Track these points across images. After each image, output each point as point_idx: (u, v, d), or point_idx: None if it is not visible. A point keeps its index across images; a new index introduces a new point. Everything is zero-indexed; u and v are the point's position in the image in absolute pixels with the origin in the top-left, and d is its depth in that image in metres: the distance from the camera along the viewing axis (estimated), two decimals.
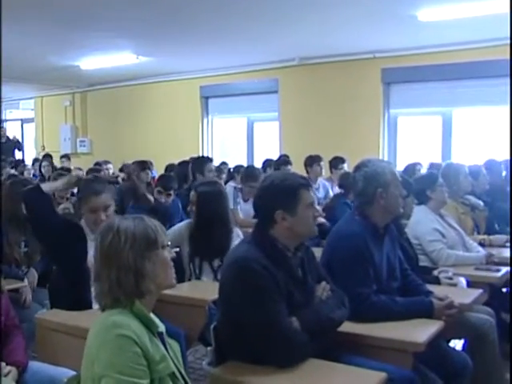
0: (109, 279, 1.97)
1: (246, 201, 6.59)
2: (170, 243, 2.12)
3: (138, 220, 2.06)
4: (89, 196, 3.44)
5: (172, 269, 2.10)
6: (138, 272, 1.98)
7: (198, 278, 3.89)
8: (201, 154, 11.37)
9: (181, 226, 4.13)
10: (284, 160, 7.89)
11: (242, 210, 6.52)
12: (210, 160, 6.61)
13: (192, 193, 4.11)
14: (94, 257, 2.06)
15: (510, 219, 5.35)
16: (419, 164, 6.60)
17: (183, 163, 7.56)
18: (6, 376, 2.60)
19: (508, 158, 7.02)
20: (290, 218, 2.60)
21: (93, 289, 2.18)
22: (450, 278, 3.77)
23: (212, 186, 4.15)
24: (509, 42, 7.76)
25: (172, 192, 5.69)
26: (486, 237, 4.95)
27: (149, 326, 1.99)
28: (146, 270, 1.99)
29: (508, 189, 6.32)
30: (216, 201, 3.98)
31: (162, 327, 2.10)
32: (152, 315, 2.08)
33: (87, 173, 7.16)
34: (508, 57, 7.93)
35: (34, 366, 2.77)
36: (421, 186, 4.40)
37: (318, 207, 2.77)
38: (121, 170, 8.26)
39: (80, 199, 3.57)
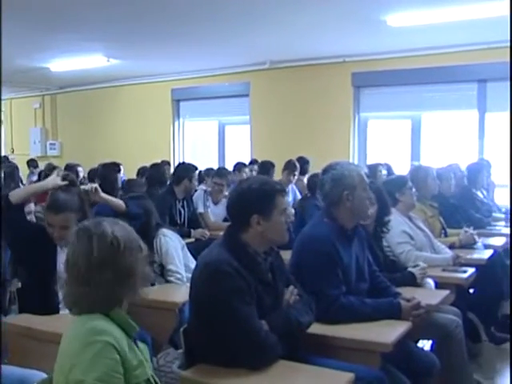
0: (101, 284, 1.94)
1: (216, 204, 6.59)
2: None
3: (121, 224, 2.08)
4: (48, 210, 3.42)
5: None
6: (133, 275, 2.00)
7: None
8: (172, 157, 11.37)
9: None
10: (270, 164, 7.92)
11: (213, 212, 6.52)
12: (196, 168, 6.57)
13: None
14: (74, 261, 2.00)
15: (511, 219, 5.48)
16: (381, 165, 6.67)
17: (155, 166, 7.54)
18: None
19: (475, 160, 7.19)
20: (264, 223, 2.61)
21: (60, 293, 2.17)
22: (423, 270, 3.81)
23: (136, 202, 4.22)
24: (476, 47, 7.95)
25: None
26: (455, 238, 5.03)
27: (127, 330, 1.99)
28: (138, 273, 2.02)
29: (474, 191, 6.47)
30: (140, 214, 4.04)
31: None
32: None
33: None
34: (475, 61, 8.10)
35: (4, 369, 2.74)
36: (390, 189, 4.45)
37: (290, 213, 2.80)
38: (89, 175, 8.17)
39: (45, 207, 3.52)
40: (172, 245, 4.10)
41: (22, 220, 3.56)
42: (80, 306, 1.99)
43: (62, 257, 3.41)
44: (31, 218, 4.38)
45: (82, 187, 4.09)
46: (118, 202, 4.26)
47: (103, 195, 4.17)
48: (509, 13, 5.38)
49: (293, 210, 5.66)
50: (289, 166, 7.69)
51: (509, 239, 5.69)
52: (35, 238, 3.39)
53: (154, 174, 7.08)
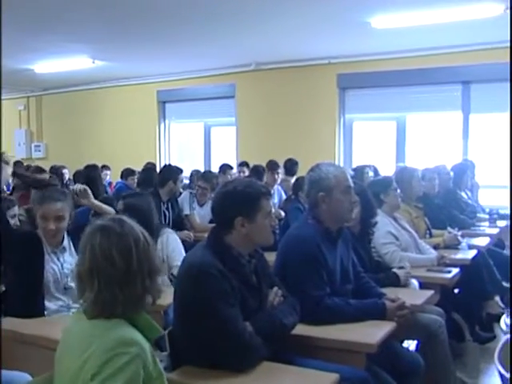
0: (137, 285, 1.89)
1: (201, 205, 6.58)
2: None
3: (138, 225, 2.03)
4: (43, 201, 3.39)
5: None
6: (158, 274, 2.00)
7: None
8: (158, 159, 11.35)
9: None
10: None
11: (198, 214, 6.51)
12: (181, 171, 6.55)
13: (120, 202, 4.11)
14: (107, 263, 1.90)
15: (511, 217, 5.52)
16: (368, 166, 6.71)
17: (146, 169, 7.57)
18: None
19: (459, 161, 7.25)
20: (248, 226, 2.62)
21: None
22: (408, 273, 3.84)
23: (138, 198, 4.19)
24: (460, 49, 8.01)
25: None
26: (440, 239, 5.06)
27: (148, 334, 1.93)
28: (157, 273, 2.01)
29: (459, 192, 6.52)
30: (140, 212, 3.88)
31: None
32: None
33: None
34: (459, 63, 8.16)
35: None
36: (375, 190, 4.47)
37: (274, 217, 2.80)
38: (74, 177, 8.16)
39: (34, 205, 3.50)
40: (179, 242, 4.13)
41: (7, 229, 3.53)
42: (107, 310, 1.89)
43: (50, 263, 3.40)
44: (15, 221, 4.34)
45: (72, 187, 4.06)
46: (106, 208, 4.24)
47: (94, 200, 4.16)
48: (509, 13, 5.41)
49: (283, 213, 5.69)
50: (271, 166, 7.74)
51: (492, 239, 5.76)
52: (24, 246, 3.37)
53: (144, 176, 7.09)
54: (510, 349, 1.92)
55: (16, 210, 4.27)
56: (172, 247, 4.03)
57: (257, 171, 7.47)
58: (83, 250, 1.95)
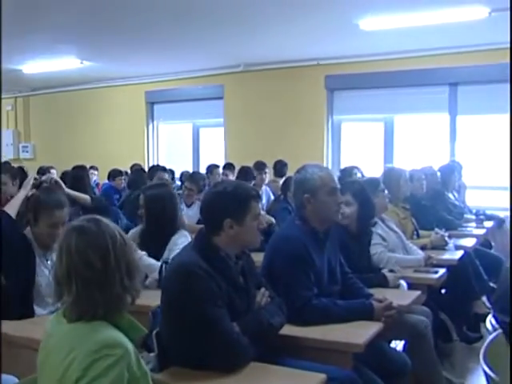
0: (115, 285, 1.87)
1: (188, 206, 6.56)
2: None
3: (121, 234, 1.98)
4: (51, 209, 3.30)
5: None
6: (138, 272, 1.97)
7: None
8: (146, 160, 11.33)
9: (134, 231, 4.12)
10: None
11: (186, 215, 6.49)
12: (162, 169, 6.52)
13: (141, 196, 4.09)
14: (84, 263, 1.87)
15: (511, 216, 5.55)
16: (356, 168, 6.75)
17: (136, 170, 7.55)
18: None
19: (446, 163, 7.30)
20: (236, 228, 2.61)
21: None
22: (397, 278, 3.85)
23: (159, 189, 4.15)
24: (446, 51, 8.06)
25: None
26: (427, 239, 5.09)
27: (131, 335, 1.91)
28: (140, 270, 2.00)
29: (446, 193, 6.56)
30: (163, 202, 3.96)
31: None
32: None
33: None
34: (446, 65, 8.21)
35: None
36: None
37: (262, 218, 2.79)
38: (62, 178, 8.13)
39: (38, 210, 3.36)
40: None
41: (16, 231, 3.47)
42: (88, 312, 1.87)
43: (42, 266, 3.37)
44: None
45: (43, 178, 4.01)
46: (82, 195, 4.20)
47: (67, 190, 4.12)
48: (509, 13, 5.44)
49: (273, 219, 5.69)
50: (258, 167, 7.76)
51: (479, 240, 5.81)
52: (19, 246, 3.34)
53: (134, 177, 7.08)
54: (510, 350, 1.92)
55: None
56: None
57: (245, 172, 7.46)
58: (59, 252, 1.92)
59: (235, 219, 2.60)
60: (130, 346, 1.86)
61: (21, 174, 6.06)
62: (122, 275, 1.90)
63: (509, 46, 6.00)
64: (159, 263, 3.73)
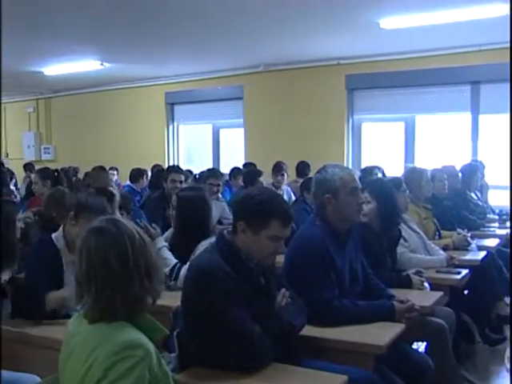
0: (135, 285, 1.86)
1: None
2: None
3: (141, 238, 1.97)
4: (94, 213, 3.21)
5: None
6: (158, 273, 1.96)
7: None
8: (166, 161, 11.36)
9: (167, 233, 4.14)
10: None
11: None
12: (175, 170, 6.47)
13: (173, 197, 4.08)
14: (102, 264, 1.87)
15: (511, 218, 5.49)
16: (377, 167, 6.70)
17: (156, 170, 7.57)
18: None
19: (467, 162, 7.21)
20: (250, 235, 2.58)
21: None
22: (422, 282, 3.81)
23: (194, 191, 4.13)
24: (470, 49, 7.98)
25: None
26: (449, 240, 5.04)
27: (152, 336, 1.91)
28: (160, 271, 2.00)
29: (468, 193, 6.49)
30: (195, 205, 3.92)
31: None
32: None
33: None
34: (469, 63, 8.13)
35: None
36: None
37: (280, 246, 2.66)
38: (84, 179, 8.19)
39: (81, 211, 3.36)
40: None
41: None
42: (108, 313, 1.87)
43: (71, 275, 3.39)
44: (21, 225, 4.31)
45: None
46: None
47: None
48: (509, 14, 5.40)
49: None
50: (275, 168, 7.73)
51: (502, 240, 5.72)
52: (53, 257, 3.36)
53: (155, 178, 7.09)
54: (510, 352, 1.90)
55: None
56: None
57: (251, 176, 7.40)
58: (79, 254, 1.93)
59: (249, 226, 2.57)
60: (151, 346, 1.86)
61: (52, 176, 6.21)
62: (142, 276, 1.89)
63: None
64: (175, 260, 3.73)
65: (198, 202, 3.96)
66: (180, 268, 3.70)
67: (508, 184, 6.43)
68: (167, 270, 3.68)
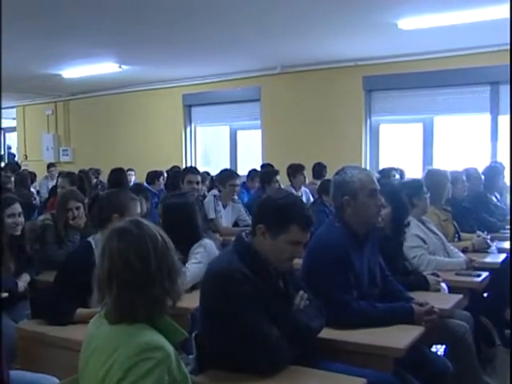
0: (157, 288, 1.87)
1: (224, 207, 6.53)
2: None
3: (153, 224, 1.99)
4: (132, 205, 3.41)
5: None
6: (180, 277, 1.96)
7: None
8: (184, 163, 11.39)
9: None
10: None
11: (223, 216, 6.48)
12: (191, 171, 6.48)
13: (159, 206, 4.09)
14: (125, 266, 1.89)
15: (511, 224, 5.42)
16: (395, 169, 6.65)
17: (174, 172, 7.59)
18: None
19: (487, 165, 7.13)
20: (268, 239, 2.57)
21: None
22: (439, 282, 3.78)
23: (179, 199, 4.12)
24: (489, 49, 7.90)
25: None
26: (469, 242, 4.99)
27: (172, 338, 1.91)
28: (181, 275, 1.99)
29: (489, 196, 6.42)
30: (182, 213, 3.89)
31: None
32: None
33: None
34: (488, 64, 8.05)
35: (16, 374, 2.75)
36: (407, 193, 4.41)
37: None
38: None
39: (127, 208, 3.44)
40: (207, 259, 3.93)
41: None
42: (129, 314, 1.88)
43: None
44: (14, 220, 4.32)
45: None
46: None
47: None
48: (509, 16, 5.34)
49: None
50: (296, 169, 7.70)
51: None
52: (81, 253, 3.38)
53: (172, 180, 7.12)
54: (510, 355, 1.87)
55: (16, 208, 4.18)
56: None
57: (266, 176, 7.38)
58: (102, 254, 1.93)
59: (269, 230, 2.56)
60: (170, 349, 1.86)
61: (79, 181, 6.32)
62: (163, 278, 1.90)
63: None
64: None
65: (185, 208, 3.94)
66: None
67: None
68: None
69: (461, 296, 3.59)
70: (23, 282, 4.10)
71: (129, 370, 1.78)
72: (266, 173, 7.47)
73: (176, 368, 1.87)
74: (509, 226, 6.24)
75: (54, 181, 9.94)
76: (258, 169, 8.75)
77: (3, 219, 4.07)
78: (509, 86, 8.14)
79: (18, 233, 4.19)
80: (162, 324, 1.91)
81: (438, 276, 3.81)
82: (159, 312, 1.92)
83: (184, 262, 3.72)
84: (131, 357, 1.79)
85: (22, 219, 4.21)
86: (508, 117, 8.36)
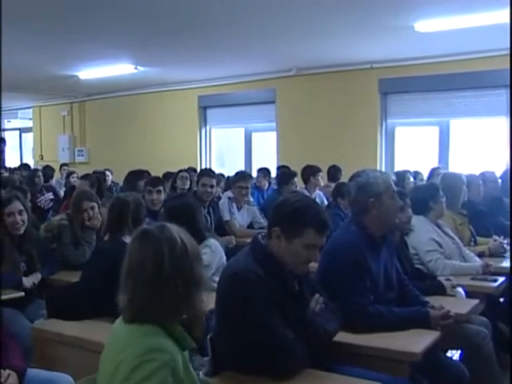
0: (169, 292, 1.88)
1: (239, 209, 6.53)
2: None
3: (183, 230, 1.99)
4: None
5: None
6: (200, 285, 1.93)
7: None
8: (199, 164, 11.42)
9: None
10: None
11: (237, 218, 6.47)
12: (207, 174, 6.49)
13: (161, 209, 4.07)
14: (140, 265, 1.92)
15: (511, 227, 5.37)
16: (409, 172, 6.61)
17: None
18: (5, 381, 2.61)
19: (504, 168, 7.06)
20: (284, 242, 2.55)
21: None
22: (453, 286, 3.76)
23: (179, 200, 4.14)
24: (506, 52, 7.83)
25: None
26: (485, 246, 4.95)
27: (182, 344, 1.92)
28: (203, 283, 1.96)
29: (505, 200, 6.35)
30: (184, 214, 3.85)
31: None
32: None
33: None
34: (505, 67, 7.98)
35: (31, 372, 2.78)
36: (423, 197, 4.40)
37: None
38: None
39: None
40: (214, 259, 3.96)
41: None
42: (140, 314, 1.90)
43: None
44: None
45: None
46: None
47: None
48: (509, 20, 5.32)
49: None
50: (312, 171, 7.66)
51: None
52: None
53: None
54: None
55: (15, 206, 4.12)
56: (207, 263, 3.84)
57: (285, 177, 7.34)
58: (127, 253, 1.98)
59: (284, 233, 2.55)
60: (176, 352, 1.87)
61: (98, 182, 6.38)
62: (177, 282, 1.89)
63: None
64: None
65: (186, 209, 3.92)
66: None
67: None
68: None
69: (477, 301, 3.56)
70: (32, 279, 4.11)
71: (133, 370, 1.80)
72: (284, 174, 7.43)
73: (183, 371, 1.88)
74: None
75: (63, 180, 10.08)
76: (271, 169, 8.79)
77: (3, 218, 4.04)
78: None
79: (21, 232, 4.13)
80: (172, 329, 1.92)
81: (450, 280, 3.80)
82: (172, 318, 1.93)
83: None
84: (137, 357, 1.81)
85: (23, 217, 4.13)
86: None
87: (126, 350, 1.86)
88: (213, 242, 3.96)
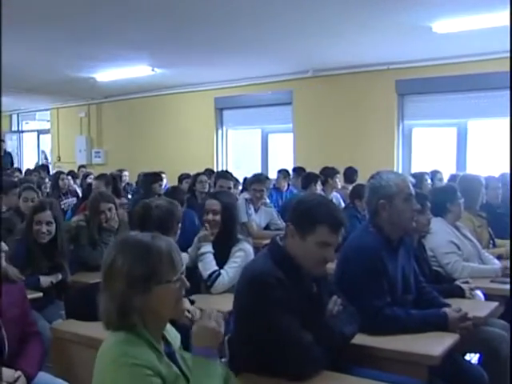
0: (117, 298, 1.87)
1: (256, 211, 6.54)
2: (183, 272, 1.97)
3: (141, 247, 1.92)
4: None
5: (179, 303, 1.96)
6: (124, 304, 1.86)
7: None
8: (215, 166, 11.44)
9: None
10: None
11: (254, 220, 6.48)
12: (224, 176, 6.51)
13: (214, 201, 4.05)
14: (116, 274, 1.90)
15: (511, 229, 5.33)
16: (427, 173, 6.56)
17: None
18: (15, 382, 2.63)
19: None
20: (297, 240, 2.55)
21: None
22: (471, 289, 3.73)
23: (232, 198, 4.22)
24: None
25: None
26: (504, 249, 4.90)
27: (156, 347, 1.90)
28: (134, 304, 1.86)
29: None
30: (236, 212, 4.06)
31: (175, 345, 2.05)
32: (167, 331, 2.03)
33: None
34: None
35: (42, 377, 2.80)
36: (441, 199, 4.37)
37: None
38: (137, 183, 8.35)
39: None
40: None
41: None
42: (107, 321, 1.90)
43: None
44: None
45: None
46: None
47: None
48: (509, 22, 5.26)
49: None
50: (329, 173, 7.65)
51: None
52: None
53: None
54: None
55: (45, 216, 4.11)
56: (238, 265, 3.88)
57: (308, 179, 7.32)
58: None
59: (297, 230, 2.55)
60: (148, 357, 1.83)
61: (113, 181, 6.44)
62: (130, 291, 1.85)
63: None
64: (214, 268, 3.84)
65: (236, 207, 4.07)
66: (217, 276, 3.80)
67: None
68: (206, 274, 3.83)
69: (496, 304, 3.52)
70: (51, 278, 4.11)
71: (105, 377, 1.81)
72: (308, 177, 7.43)
73: (164, 368, 1.86)
74: None
75: (79, 180, 10.16)
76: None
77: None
78: None
79: (45, 241, 4.11)
80: (145, 337, 1.88)
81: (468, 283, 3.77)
82: (138, 322, 1.87)
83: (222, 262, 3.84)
84: (104, 367, 1.83)
85: (50, 227, 4.11)
86: None
87: (98, 358, 1.87)
88: (247, 246, 3.98)
